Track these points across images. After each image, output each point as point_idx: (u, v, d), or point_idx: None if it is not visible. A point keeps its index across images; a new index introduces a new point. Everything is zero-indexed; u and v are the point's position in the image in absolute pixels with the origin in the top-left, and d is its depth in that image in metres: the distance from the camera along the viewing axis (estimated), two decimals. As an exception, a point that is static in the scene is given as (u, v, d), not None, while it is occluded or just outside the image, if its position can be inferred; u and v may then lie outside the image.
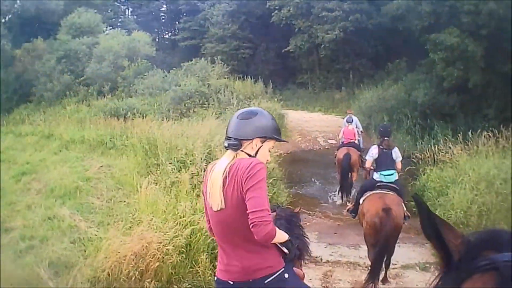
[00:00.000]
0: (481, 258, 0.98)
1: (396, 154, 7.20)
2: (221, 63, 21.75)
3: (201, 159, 8.25)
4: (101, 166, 10.67)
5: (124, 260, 4.99)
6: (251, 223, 2.48)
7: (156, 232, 5.41)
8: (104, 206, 7.14)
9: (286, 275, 2.74)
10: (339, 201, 10.46)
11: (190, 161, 8.33)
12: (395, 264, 7.22)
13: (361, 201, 7.06)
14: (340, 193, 10.52)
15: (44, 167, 11.62)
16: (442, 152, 11.02)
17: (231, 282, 2.74)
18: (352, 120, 11.50)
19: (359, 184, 8.75)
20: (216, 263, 5.16)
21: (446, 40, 15.67)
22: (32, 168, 11.55)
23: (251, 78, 22.32)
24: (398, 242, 8.33)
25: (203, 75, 20.04)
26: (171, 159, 8.55)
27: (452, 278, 1.03)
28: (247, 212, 2.51)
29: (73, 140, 14.95)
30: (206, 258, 5.73)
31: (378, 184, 7.00)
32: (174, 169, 8.09)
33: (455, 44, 15.46)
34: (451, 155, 10.55)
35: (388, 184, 6.95)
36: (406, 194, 7.27)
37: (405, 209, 6.86)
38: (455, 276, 1.02)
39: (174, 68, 22.15)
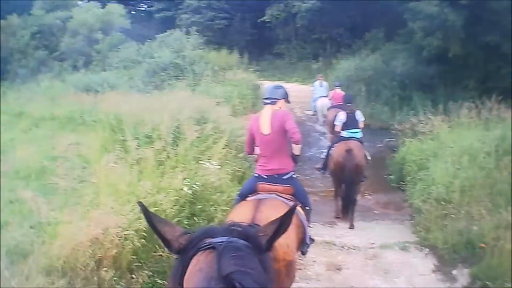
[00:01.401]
0: (201, 242, 1.42)
1: (359, 115, 8.38)
2: (196, 34, 21.15)
3: (168, 133, 7.67)
4: (69, 144, 10.34)
5: (81, 247, 4.55)
6: (292, 132, 4.38)
7: (115, 215, 4.92)
8: (69, 187, 6.68)
9: (295, 176, 4.65)
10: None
11: (157, 136, 7.77)
12: (373, 244, 6.94)
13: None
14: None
15: (12, 147, 11.20)
16: (422, 123, 10.62)
17: (265, 176, 4.49)
18: (340, 84, 12.73)
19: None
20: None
21: (425, 9, 15.22)
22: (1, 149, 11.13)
23: (226, 49, 22.11)
24: (377, 219, 8.57)
25: (178, 47, 19.48)
26: (137, 134, 8.05)
27: (180, 259, 1.45)
28: (288, 129, 4.38)
29: (44, 117, 14.52)
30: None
31: (345, 138, 8.16)
32: (139, 145, 7.49)
33: (435, 13, 15.00)
34: (431, 127, 10.18)
35: (354, 137, 8.15)
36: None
37: (367, 153, 8.16)
38: (182, 258, 1.44)
39: (148, 40, 21.61)
